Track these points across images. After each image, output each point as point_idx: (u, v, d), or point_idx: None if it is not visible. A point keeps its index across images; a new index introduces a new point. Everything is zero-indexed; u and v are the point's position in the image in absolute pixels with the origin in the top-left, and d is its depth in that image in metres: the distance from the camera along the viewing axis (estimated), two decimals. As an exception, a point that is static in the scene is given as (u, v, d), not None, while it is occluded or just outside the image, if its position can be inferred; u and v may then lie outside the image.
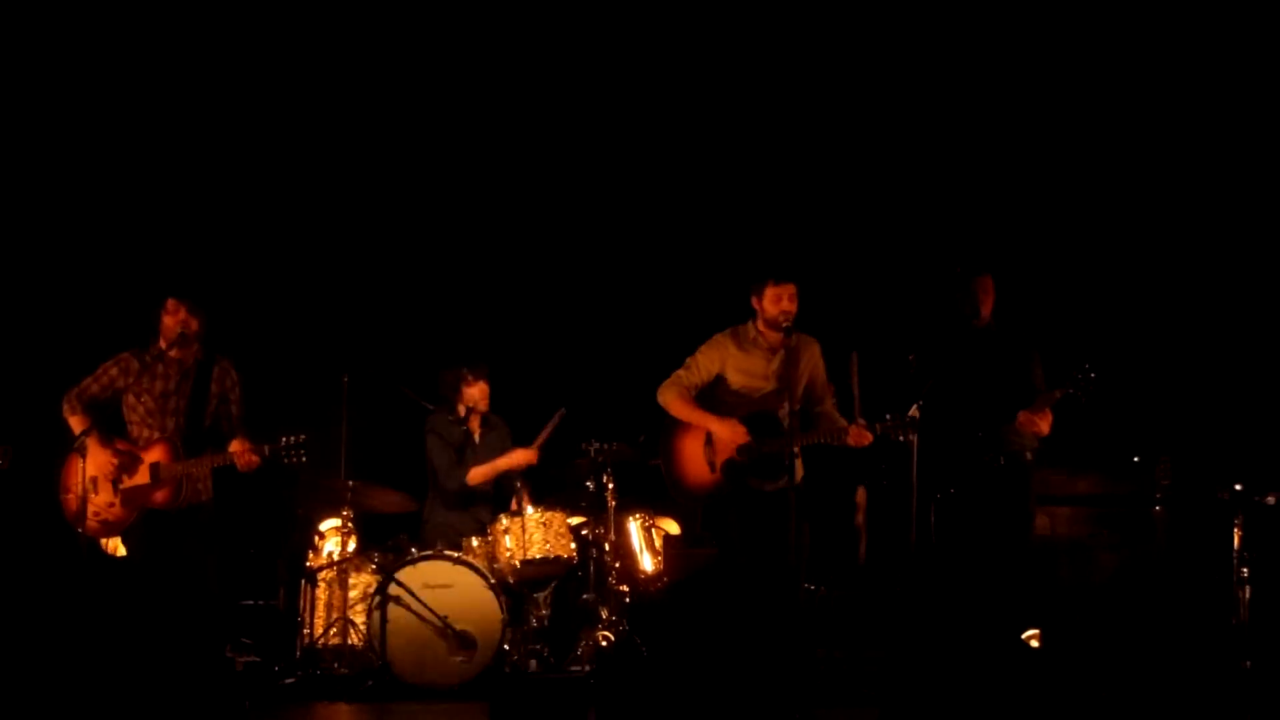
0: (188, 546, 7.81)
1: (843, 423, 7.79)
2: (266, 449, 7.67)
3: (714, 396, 7.98)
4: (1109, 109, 10.34)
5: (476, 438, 9.40)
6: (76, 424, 7.87)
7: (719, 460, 7.90)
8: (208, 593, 7.85)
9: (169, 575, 7.77)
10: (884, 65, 10.53)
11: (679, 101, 10.73)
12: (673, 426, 8.05)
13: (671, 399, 7.98)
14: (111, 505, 7.81)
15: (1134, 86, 10.26)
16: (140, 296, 8.14)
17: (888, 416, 7.66)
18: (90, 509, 7.80)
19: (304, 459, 7.70)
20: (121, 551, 8.25)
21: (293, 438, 7.65)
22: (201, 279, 8.36)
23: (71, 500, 7.84)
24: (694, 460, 7.98)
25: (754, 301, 7.93)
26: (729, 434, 7.84)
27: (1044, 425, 7.84)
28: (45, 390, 8.75)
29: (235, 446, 7.70)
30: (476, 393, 9.39)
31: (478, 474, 9.25)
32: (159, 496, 7.75)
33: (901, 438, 7.63)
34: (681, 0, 10.54)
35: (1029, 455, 8.09)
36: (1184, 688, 8.53)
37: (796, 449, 7.62)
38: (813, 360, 8.00)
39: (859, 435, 7.72)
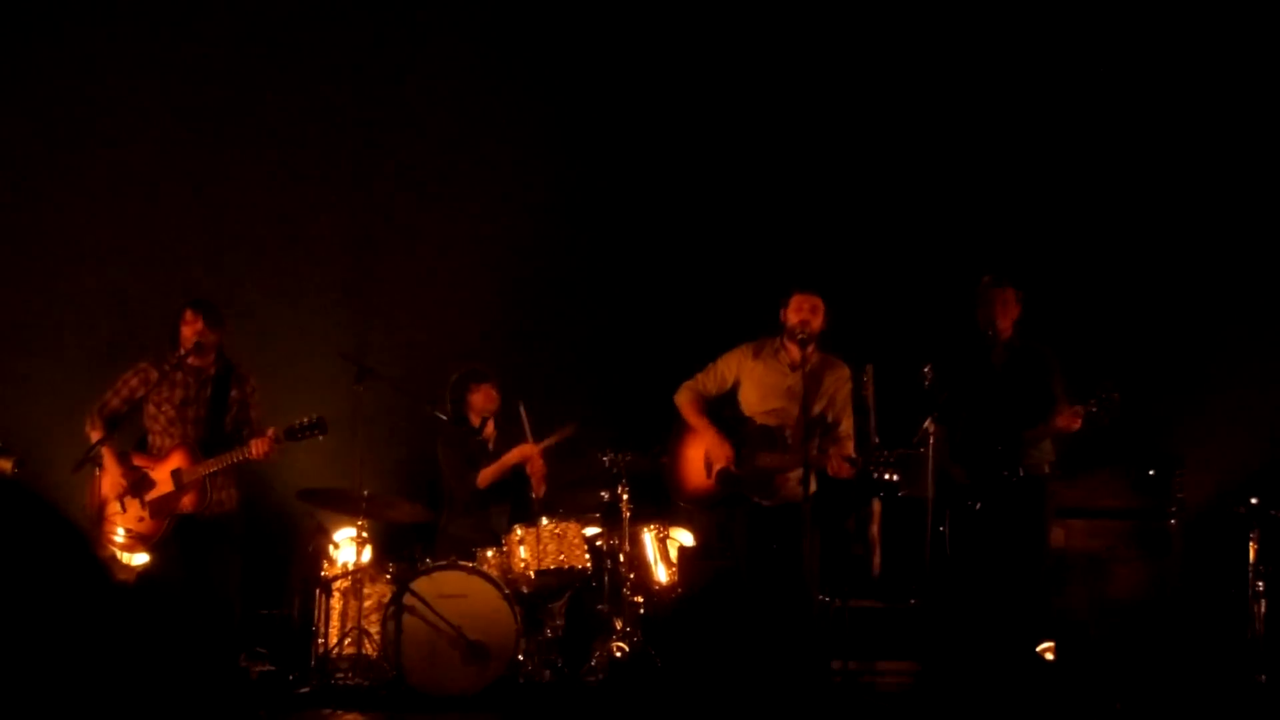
0: (212, 556, 7.86)
1: (831, 451, 7.70)
2: (281, 432, 7.75)
3: (730, 405, 8.02)
4: (1123, 119, 10.34)
5: (490, 445, 9.41)
6: (96, 439, 7.90)
7: (715, 468, 7.92)
8: (226, 601, 7.88)
9: (190, 584, 7.80)
10: (903, 77, 10.54)
11: (699, 111, 10.73)
12: (683, 428, 8.10)
13: (684, 400, 8.10)
14: (141, 519, 7.85)
15: (1151, 97, 10.26)
16: (162, 306, 8.18)
17: (883, 453, 7.61)
18: (121, 526, 7.84)
19: (320, 437, 7.83)
20: (136, 561, 8.26)
21: (307, 418, 7.77)
22: (218, 292, 8.41)
23: (102, 526, 7.88)
24: (695, 464, 8.02)
25: (781, 314, 7.94)
26: (717, 451, 7.87)
27: (1076, 422, 7.82)
28: (57, 399, 8.79)
29: (252, 440, 7.75)
30: (483, 399, 9.38)
31: (487, 475, 9.23)
32: (186, 501, 7.80)
33: (886, 477, 7.58)
34: (708, 15, 10.56)
35: (1046, 469, 8.09)
36: (1199, 702, 8.51)
37: (785, 467, 7.68)
38: (836, 385, 7.98)
39: (838, 466, 7.67)
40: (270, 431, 7.78)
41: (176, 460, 7.84)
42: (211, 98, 10.43)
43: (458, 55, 10.73)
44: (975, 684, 7.54)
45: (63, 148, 10.17)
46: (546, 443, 9.18)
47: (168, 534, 7.83)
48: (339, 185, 10.73)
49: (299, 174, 10.61)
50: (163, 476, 7.84)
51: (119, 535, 7.84)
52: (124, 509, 7.85)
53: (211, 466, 7.79)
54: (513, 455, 9.19)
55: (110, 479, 7.89)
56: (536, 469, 9.17)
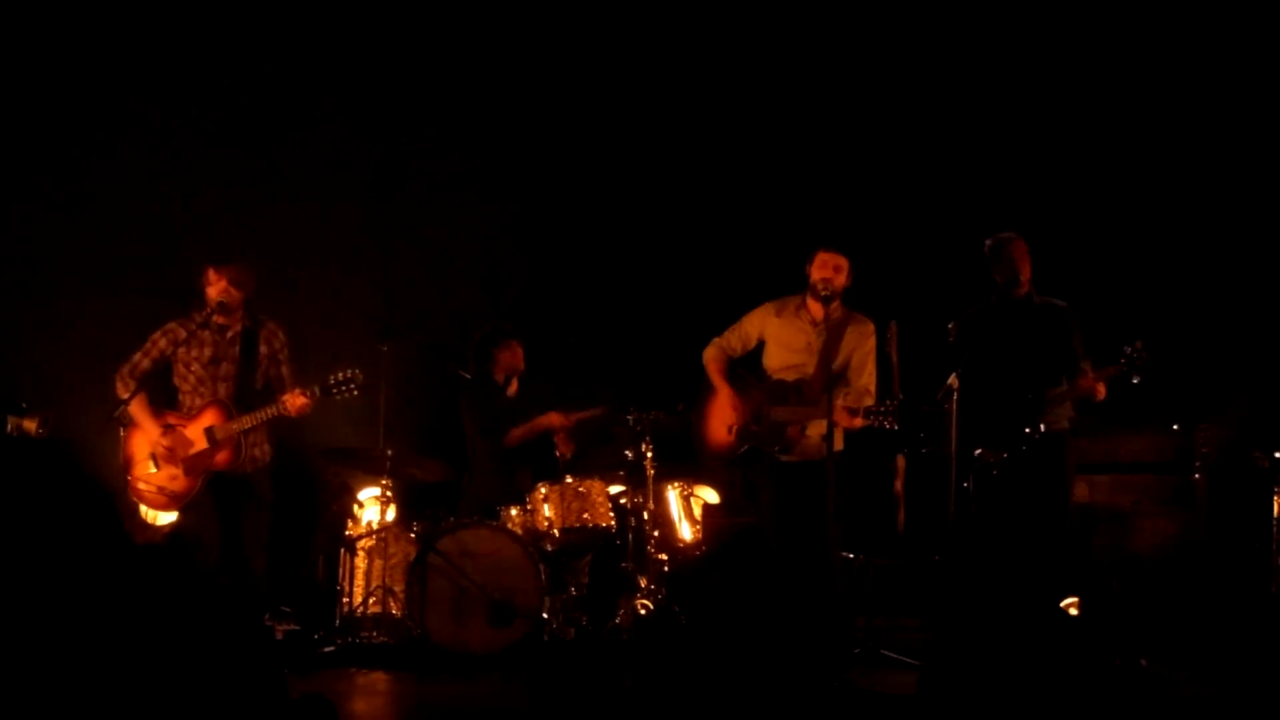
0: (243, 513, 7.88)
1: (837, 402, 7.76)
2: (317, 388, 7.75)
3: (757, 363, 8.10)
4: (1147, 73, 10.27)
5: (515, 402, 9.41)
6: (125, 398, 7.91)
7: (736, 425, 8.02)
8: (254, 559, 7.92)
9: (219, 542, 7.82)
10: (925, 32, 10.49)
11: (726, 68, 10.70)
12: (709, 386, 8.21)
13: (708, 358, 8.30)
14: (174, 477, 7.86)
15: (1175, 51, 10.18)
16: (188, 264, 8.19)
17: (887, 402, 7.72)
18: (154, 484, 7.85)
19: (356, 392, 7.78)
20: (161, 520, 8.30)
21: (344, 373, 7.73)
22: (244, 250, 8.40)
23: (133, 484, 7.91)
24: (719, 422, 8.20)
25: (807, 270, 7.99)
26: (732, 410, 8.01)
27: (1101, 389, 7.82)
28: (86, 358, 8.80)
29: (286, 396, 7.76)
30: (510, 357, 9.41)
31: (516, 435, 9.29)
32: (220, 458, 7.83)
33: (886, 426, 7.67)
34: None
35: (1066, 424, 8.07)
36: (1221, 655, 8.50)
37: (796, 420, 7.77)
38: (858, 341, 8.01)
39: (838, 415, 7.75)
40: (299, 393, 7.78)
41: (209, 418, 7.86)
42: (240, 61, 10.41)
43: (480, 18, 10.70)
44: (999, 639, 7.54)
45: (94, 112, 10.16)
46: (576, 416, 9.29)
47: (200, 492, 7.86)
48: (365, 142, 10.70)
49: (325, 131, 10.58)
50: (196, 434, 7.86)
51: (153, 494, 7.86)
52: (157, 467, 7.87)
53: (245, 423, 7.82)
54: (543, 421, 9.27)
55: (146, 437, 7.91)
56: (563, 436, 9.33)
